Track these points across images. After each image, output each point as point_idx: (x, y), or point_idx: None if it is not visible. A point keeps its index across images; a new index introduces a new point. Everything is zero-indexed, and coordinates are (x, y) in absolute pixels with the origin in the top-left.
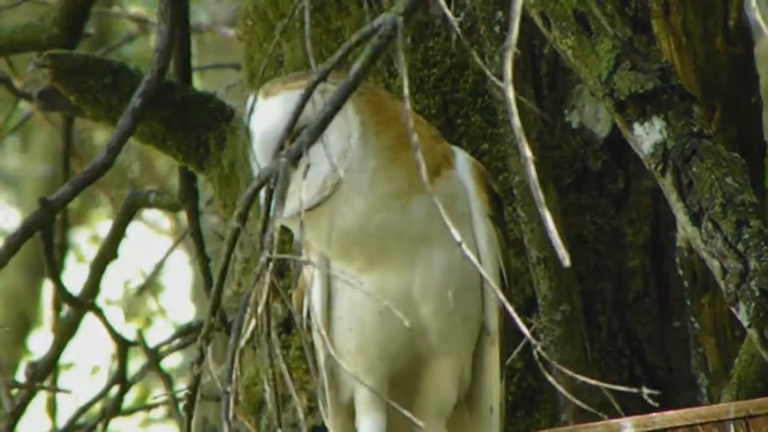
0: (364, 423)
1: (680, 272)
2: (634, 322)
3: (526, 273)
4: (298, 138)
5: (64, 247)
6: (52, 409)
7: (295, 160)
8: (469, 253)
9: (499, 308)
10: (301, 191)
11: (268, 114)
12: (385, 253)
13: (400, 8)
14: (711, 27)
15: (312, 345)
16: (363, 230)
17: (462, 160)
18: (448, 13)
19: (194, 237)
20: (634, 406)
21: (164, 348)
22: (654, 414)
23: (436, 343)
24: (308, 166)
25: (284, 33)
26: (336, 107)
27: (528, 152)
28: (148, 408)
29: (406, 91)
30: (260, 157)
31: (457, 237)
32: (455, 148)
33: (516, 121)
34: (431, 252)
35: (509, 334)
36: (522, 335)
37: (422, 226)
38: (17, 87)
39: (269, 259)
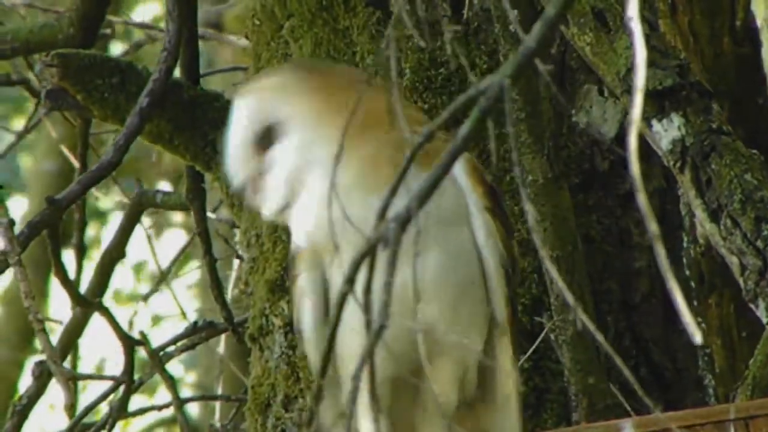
0: (365, 426)
1: (687, 273)
2: (640, 323)
3: (533, 273)
4: (407, 203)
5: (82, 248)
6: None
7: (404, 224)
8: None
9: (506, 297)
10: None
11: (236, 118)
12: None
13: (507, 70)
14: (718, 27)
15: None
16: (343, 224)
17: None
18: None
19: (201, 237)
20: (640, 407)
21: (171, 348)
22: (654, 414)
23: (440, 343)
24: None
25: (292, 32)
26: (444, 170)
27: (655, 228)
28: (159, 409)
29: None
30: (231, 163)
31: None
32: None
33: (642, 198)
34: (426, 245)
35: (516, 334)
36: (530, 335)
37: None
38: (36, 88)
39: (383, 327)
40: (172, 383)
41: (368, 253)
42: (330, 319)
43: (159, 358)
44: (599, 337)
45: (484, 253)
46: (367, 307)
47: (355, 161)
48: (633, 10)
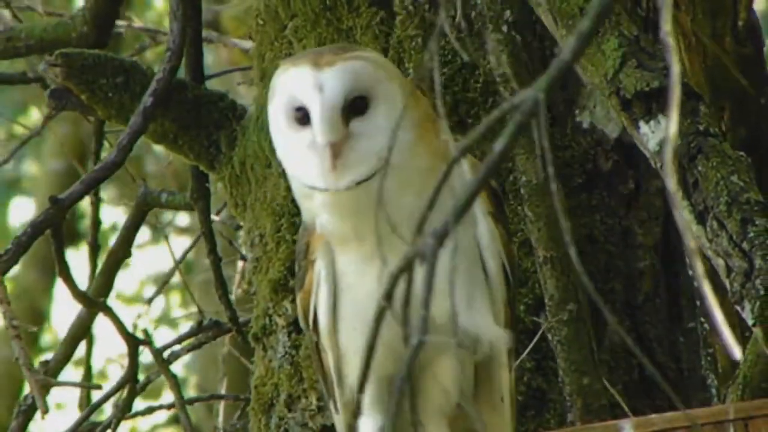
0: (366, 423)
1: (690, 273)
2: (644, 323)
3: (536, 273)
4: (445, 218)
5: (96, 247)
6: (84, 406)
7: (441, 240)
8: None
9: (505, 300)
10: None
11: (329, 85)
12: (392, 238)
13: (542, 84)
14: (720, 27)
15: (317, 345)
16: (389, 207)
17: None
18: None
19: (206, 237)
20: (643, 407)
21: (177, 348)
22: (653, 415)
23: (441, 341)
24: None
25: (296, 32)
26: (482, 184)
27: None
28: (168, 408)
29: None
30: (324, 128)
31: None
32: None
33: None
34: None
35: (518, 333)
36: (531, 335)
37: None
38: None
39: (421, 342)
40: (175, 383)
41: (406, 268)
42: (367, 335)
43: (162, 358)
44: (620, 329)
45: (486, 256)
46: (405, 321)
47: (430, 149)
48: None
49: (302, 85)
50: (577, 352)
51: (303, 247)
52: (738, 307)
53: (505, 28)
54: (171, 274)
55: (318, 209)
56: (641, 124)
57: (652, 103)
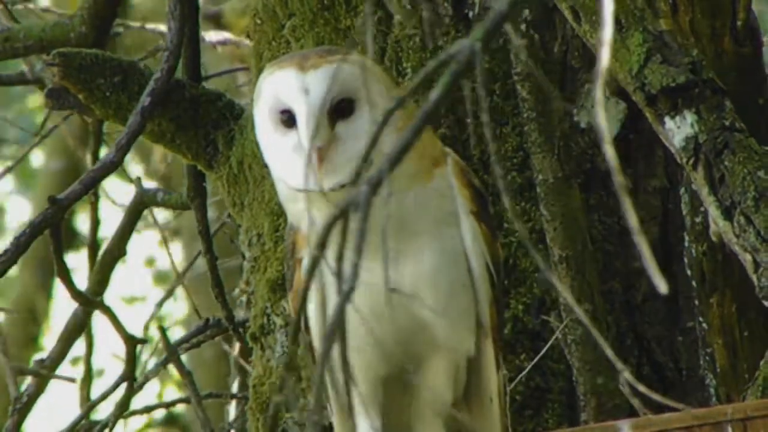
0: (360, 424)
1: (689, 272)
2: (642, 323)
3: (534, 272)
4: (379, 165)
5: (96, 248)
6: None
7: (375, 187)
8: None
9: (490, 300)
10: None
11: (314, 87)
12: (375, 242)
13: (478, 34)
14: (719, 27)
15: (310, 345)
16: (372, 210)
17: (448, 158)
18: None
19: (202, 235)
20: (648, 408)
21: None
22: (651, 415)
23: (431, 341)
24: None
25: (293, 31)
26: (416, 133)
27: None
28: (169, 406)
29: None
30: (310, 131)
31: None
32: (445, 148)
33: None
34: (421, 246)
35: (517, 334)
36: (531, 336)
37: (415, 217)
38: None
39: (352, 289)
40: (191, 379)
41: (340, 217)
42: (301, 284)
43: (178, 354)
44: (600, 338)
45: (469, 256)
46: (339, 273)
47: (411, 154)
48: None
49: (287, 87)
50: (592, 351)
51: (289, 247)
52: (766, 303)
53: (523, 27)
54: (178, 282)
55: (302, 211)
56: (666, 119)
57: (677, 99)
